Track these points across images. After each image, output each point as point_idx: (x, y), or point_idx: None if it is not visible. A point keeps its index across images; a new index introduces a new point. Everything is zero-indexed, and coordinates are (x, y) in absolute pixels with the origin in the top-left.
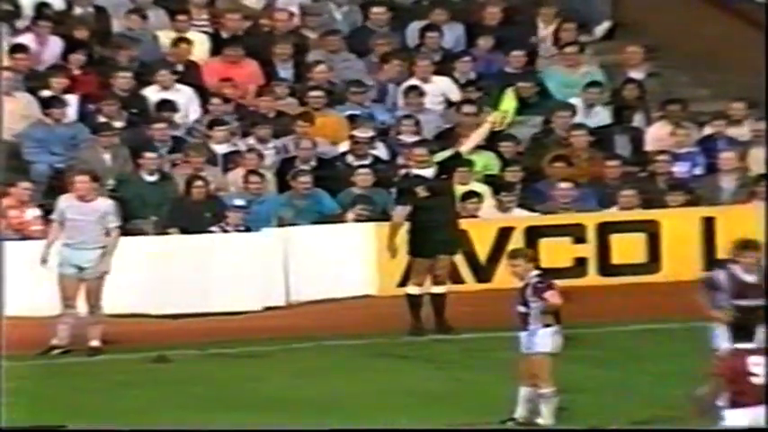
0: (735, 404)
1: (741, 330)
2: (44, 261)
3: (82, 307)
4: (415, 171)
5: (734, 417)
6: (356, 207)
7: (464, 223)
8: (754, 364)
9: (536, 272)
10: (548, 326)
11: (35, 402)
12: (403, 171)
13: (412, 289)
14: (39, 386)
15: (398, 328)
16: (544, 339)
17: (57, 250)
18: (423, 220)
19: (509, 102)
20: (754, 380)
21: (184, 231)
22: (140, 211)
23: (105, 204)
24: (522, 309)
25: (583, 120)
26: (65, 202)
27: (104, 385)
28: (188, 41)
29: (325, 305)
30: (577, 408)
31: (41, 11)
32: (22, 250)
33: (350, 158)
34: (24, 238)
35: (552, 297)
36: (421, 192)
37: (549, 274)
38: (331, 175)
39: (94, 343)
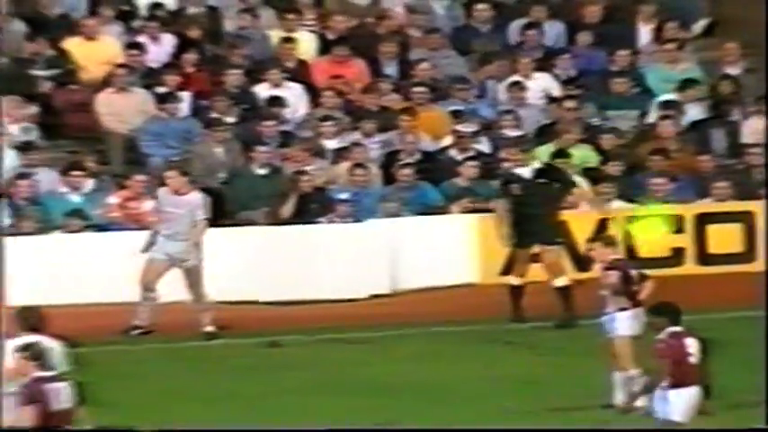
0: (677, 385)
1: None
2: (145, 250)
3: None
4: (515, 168)
5: (677, 396)
6: (461, 199)
7: (564, 214)
8: (690, 345)
9: (614, 256)
10: (623, 309)
11: (154, 385)
12: (504, 166)
13: (513, 280)
14: (157, 369)
15: (501, 315)
16: (622, 323)
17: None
18: (521, 212)
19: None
20: (691, 360)
21: (293, 222)
22: (251, 203)
23: (196, 198)
24: (603, 292)
25: (679, 114)
26: (162, 195)
27: (221, 369)
28: (296, 40)
29: (429, 293)
30: None
31: (156, 11)
32: (140, 241)
33: (453, 152)
34: (142, 228)
35: (608, 277)
36: (517, 188)
37: (647, 263)
38: (434, 167)
39: (209, 328)
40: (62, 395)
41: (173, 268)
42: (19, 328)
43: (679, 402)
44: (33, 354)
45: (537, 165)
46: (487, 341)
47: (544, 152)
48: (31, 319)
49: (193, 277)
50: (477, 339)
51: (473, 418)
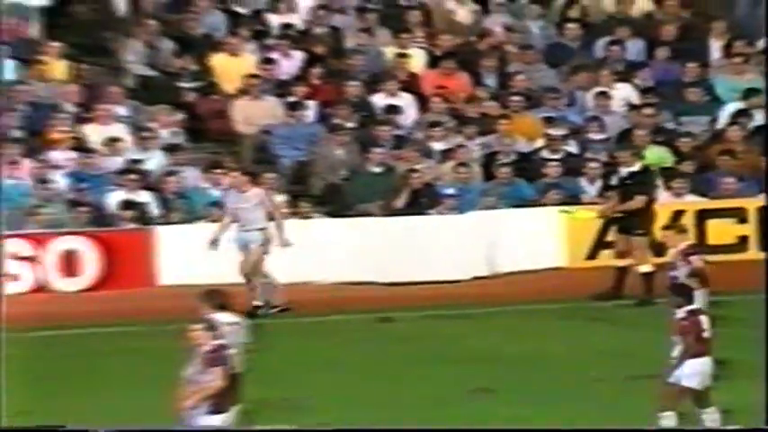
0: (695, 356)
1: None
2: (213, 243)
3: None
4: (620, 168)
5: (692, 366)
6: (549, 193)
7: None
8: (704, 321)
9: (687, 242)
10: (698, 289)
11: (283, 354)
12: (607, 167)
13: (617, 262)
14: (276, 341)
15: (586, 295)
16: (697, 300)
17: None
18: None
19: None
20: (705, 334)
21: (405, 214)
22: (368, 197)
23: (259, 193)
24: (672, 273)
25: (747, 120)
26: (230, 195)
27: (338, 340)
28: (408, 56)
29: (523, 275)
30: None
31: (286, 30)
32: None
33: (545, 153)
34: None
35: (696, 261)
36: (617, 186)
37: (715, 249)
38: (528, 166)
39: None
40: (235, 361)
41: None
42: (207, 307)
43: (697, 371)
44: (209, 327)
45: (635, 167)
46: (574, 317)
47: (645, 156)
48: (217, 298)
49: (259, 261)
50: (564, 316)
51: (560, 385)
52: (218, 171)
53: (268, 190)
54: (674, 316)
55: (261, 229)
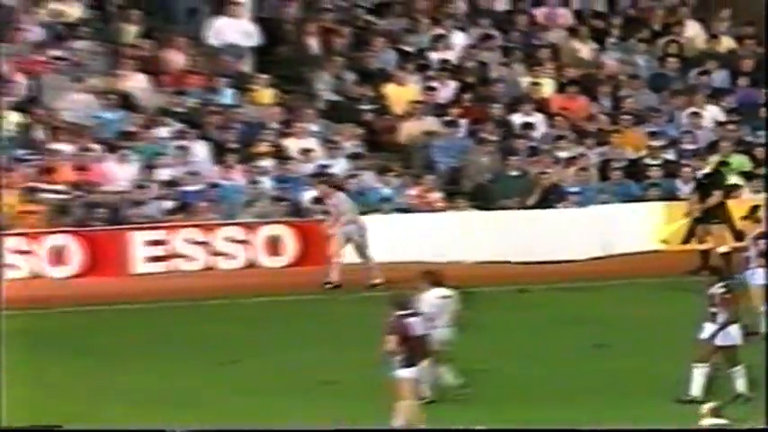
0: (733, 323)
1: None
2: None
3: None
4: (699, 171)
5: (735, 330)
6: (651, 191)
7: (729, 203)
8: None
9: (759, 229)
10: (763, 266)
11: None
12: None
13: (700, 246)
14: None
15: (681, 271)
16: (761, 275)
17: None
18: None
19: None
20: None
21: (537, 208)
22: (508, 195)
23: (339, 198)
24: (745, 254)
25: None
26: (333, 199)
27: (485, 307)
28: (540, 84)
29: (631, 256)
30: None
31: (444, 65)
32: (423, 220)
33: (648, 159)
34: (431, 211)
35: (762, 244)
36: (698, 185)
37: None
38: (635, 170)
39: (376, 281)
40: (419, 326)
41: (350, 242)
42: (425, 283)
43: (737, 334)
44: (395, 300)
45: (707, 169)
46: (671, 289)
47: (713, 161)
48: (433, 276)
49: (360, 247)
50: (664, 288)
51: (665, 343)
52: (389, 174)
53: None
54: (713, 290)
55: (354, 223)
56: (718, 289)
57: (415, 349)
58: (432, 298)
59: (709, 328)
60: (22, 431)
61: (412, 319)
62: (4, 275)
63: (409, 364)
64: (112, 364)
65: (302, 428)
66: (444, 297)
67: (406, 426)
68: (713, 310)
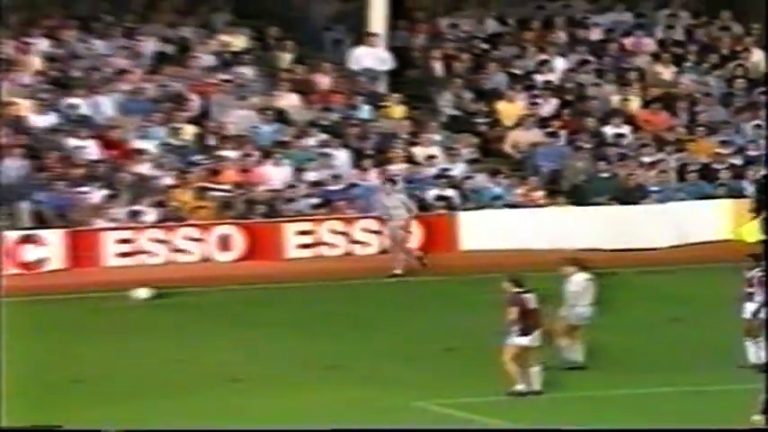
0: None
1: None
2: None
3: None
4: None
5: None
6: (721, 191)
7: None
8: None
9: None
10: None
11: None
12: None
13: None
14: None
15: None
16: None
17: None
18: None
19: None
20: None
21: (624, 204)
22: (600, 193)
23: (402, 197)
24: None
25: None
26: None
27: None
28: (629, 100)
29: (703, 245)
30: None
31: (547, 84)
32: (528, 214)
33: (718, 164)
34: (536, 206)
35: None
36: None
37: None
38: (708, 173)
39: (397, 271)
40: (533, 301)
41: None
42: (571, 267)
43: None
44: (512, 279)
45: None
46: (736, 272)
47: None
48: (578, 262)
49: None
50: (732, 271)
51: (732, 318)
52: (500, 176)
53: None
54: (752, 273)
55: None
56: (756, 272)
57: (530, 321)
58: (578, 280)
59: (749, 307)
60: (23, 431)
61: (528, 295)
62: (3, 270)
63: (525, 333)
64: (270, 333)
65: (302, 428)
66: (588, 279)
67: (523, 389)
68: (750, 290)
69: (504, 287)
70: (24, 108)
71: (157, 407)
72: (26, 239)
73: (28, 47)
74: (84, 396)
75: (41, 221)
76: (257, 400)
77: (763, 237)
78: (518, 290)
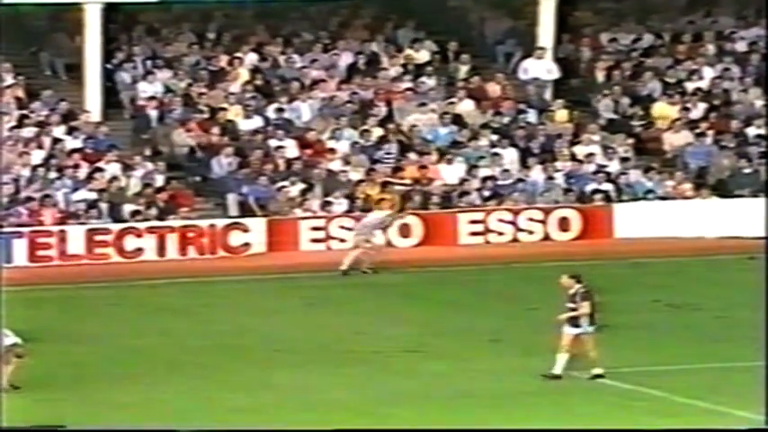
0: None
1: None
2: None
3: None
4: None
5: None
6: None
7: None
8: None
9: None
10: None
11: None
12: None
13: None
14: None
15: None
16: None
17: None
18: None
19: None
20: None
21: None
22: (743, 187)
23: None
24: None
25: None
26: None
27: (724, 269)
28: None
29: None
30: None
31: (697, 91)
32: (677, 206)
33: None
34: (682, 198)
35: None
36: None
37: None
38: None
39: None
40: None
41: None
42: (570, 279)
43: None
44: (573, 275)
45: None
46: None
47: None
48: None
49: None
50: None
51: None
52: (652, 172)
53: None
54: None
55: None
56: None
57: (595, 312)
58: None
59: None
60: (23, 431)
61: (591, 290)
62: (3, 266)
63: (592, 323)
64: (442, 310)
65: (303, 429)
66: (585, 292)
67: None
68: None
69: (566, 283)
70: (233, 113)
71: (336, 372)
72: (233, 226)
73: (237, 60)
74: (277, 359)
75: (246, 211)
76: (426, 367)
77: None
78: (580, 285)
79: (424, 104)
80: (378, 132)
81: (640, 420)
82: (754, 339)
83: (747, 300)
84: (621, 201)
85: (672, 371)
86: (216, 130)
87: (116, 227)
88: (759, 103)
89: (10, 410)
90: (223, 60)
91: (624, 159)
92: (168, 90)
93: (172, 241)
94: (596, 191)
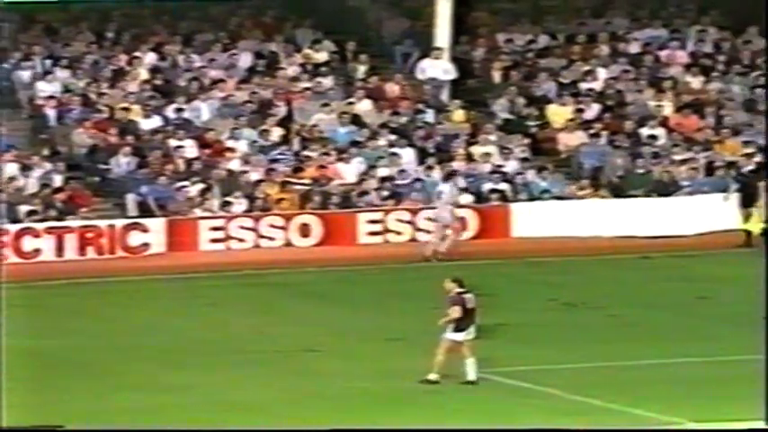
0: None
1: None
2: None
3: None
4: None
5: None
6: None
7: None
8: None
9: None
10: None
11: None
12: None
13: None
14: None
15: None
16: None
17: None
18: None
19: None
20: None
21: (657, 196)
22: (636, 187)
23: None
24: None
25: None
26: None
27: (617, 270)
28: (663, 106)
29: (728, 232)
30: None
31: (590, 92)
32: (572, 206)
33: (742, 161)
34: (578, 198)
35: None
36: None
37: None
38: (732, 169)
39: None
40: (471, 301)
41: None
42: (453, 284)
43: None
44: (455, 279)
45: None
46: (759, 256)
47: None
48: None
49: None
50: (755, 255)
51: (752, 295)
52: (547, 172)
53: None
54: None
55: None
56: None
57: (468, 318)
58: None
59: None
60: (23, 431)
61: (468, 295)
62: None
63: (460, 329)
64: (342, 309)
65: (302, 428)
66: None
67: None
68: None
69: (448, 287)
70: (133, 113)
71: (237, 372)
72: (132, 227)
73: (137, 60)
74: (176, 360)
75: (145, 211)
76: (327, 366)
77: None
78: (460, 290)
79: (323, 104)
80: (277, 132)
81: (537, 418)
82: (648, 338)
83: (641, 299)
84: (518, 200)
85: (568, 369)
86: (115, 129)
87: (14, 227)
88: (652, 103)
89: None
90: (122, 60)
91: (520, 159)
92: (67, 90)
93: (70, 242)
94: (493, 190)
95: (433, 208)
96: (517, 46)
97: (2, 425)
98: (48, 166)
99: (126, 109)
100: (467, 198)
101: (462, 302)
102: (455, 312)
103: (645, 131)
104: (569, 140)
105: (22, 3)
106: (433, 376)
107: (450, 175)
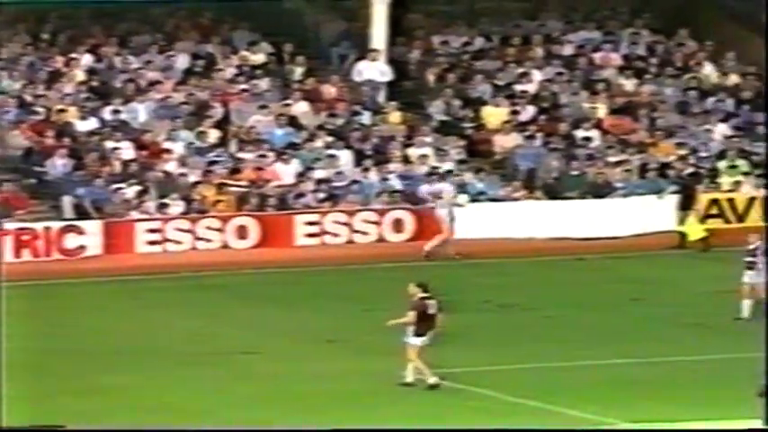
0: None
1: None
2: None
3: None
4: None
5: None
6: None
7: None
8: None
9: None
10: None
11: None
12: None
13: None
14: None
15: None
16: None
17: None
18: None
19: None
20: None
21: (591, 197)
22: (570, 189)
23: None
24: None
25: None
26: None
27: (552, 271)
28: (597, 108)
29: (662, 234)
30: None
31: (524, 93)
32: (507, 207)
33: (676, 163)
34: (513, 200)
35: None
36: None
37: None
38: (665, 171)
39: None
40: (433, 307)
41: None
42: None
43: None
44: (420, 284)
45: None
46: (693, 257)
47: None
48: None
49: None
50: (688, 257)
51: (687, 296)
52: (483, 173)
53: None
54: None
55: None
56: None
57: (427, 324)
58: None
59: (748, 275)
60: (23, 431)
61: (430, 301)
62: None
63: (419, 334)
64: (279, 311)
65: (302, 428)
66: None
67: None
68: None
69: (412, 291)
70: (69, 114)
71: (174, 375)
72: (68, 229)
73: (73, 61)
74: (112, 363)
75: (81, 213)
76: (265, 368)
77: (703, 234)
78: (423, 295)
79: (260, 106)
80: (214, 134)
81: (473, 420)
82: (583, 339)
83: (576, 300)
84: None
85: (503, 370)
86: (51, 131)
87: None
88: (586, 106)
89: None
90: (59, 61)
91: (457, 161)
92: (2, 92)
93: (6, 244)
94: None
95: (371, 210)
96: (452, 48)
97: (2, 425)
98: None
99: (62, 111)
100: (403, 200)
101: (423, 307)
102: (409, 317)
103: (579, 133)
104: (504, 142)
105: None
106: (410, 378)
107: (446, 174)
